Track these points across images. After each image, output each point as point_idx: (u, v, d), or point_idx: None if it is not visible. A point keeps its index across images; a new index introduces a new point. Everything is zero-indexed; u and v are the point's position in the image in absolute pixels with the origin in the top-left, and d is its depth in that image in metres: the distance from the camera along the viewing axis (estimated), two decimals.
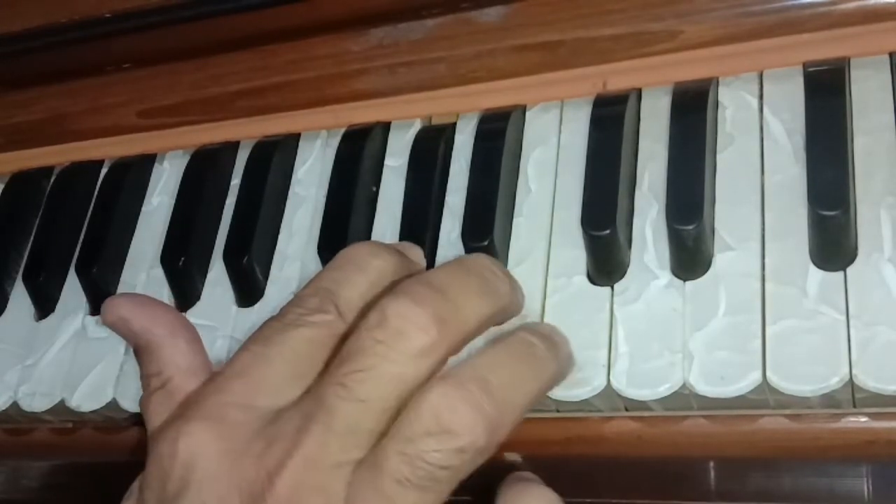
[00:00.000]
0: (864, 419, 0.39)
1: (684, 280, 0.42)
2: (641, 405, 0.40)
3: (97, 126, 0.58)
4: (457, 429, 0.34)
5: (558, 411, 0.42)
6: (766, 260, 0.41)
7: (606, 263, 0.43)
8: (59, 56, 0.57)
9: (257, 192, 0.51)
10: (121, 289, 0.53)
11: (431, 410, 0.34)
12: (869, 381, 0.37)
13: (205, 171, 0.54)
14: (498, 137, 0.48)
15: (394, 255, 0.41)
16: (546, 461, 0.41)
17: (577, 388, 0.41)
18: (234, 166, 0.54)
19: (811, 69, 0.44)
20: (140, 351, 0.41)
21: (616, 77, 0.48)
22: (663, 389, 0.39)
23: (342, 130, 0.53)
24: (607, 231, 0.42)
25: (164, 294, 0.51)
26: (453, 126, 0.50)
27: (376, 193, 0.50)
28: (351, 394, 0.34)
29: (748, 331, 0.39)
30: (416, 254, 0.45)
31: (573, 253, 0.44)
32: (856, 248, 0.40)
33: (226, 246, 0.51)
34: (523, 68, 0.49)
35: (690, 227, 0.41)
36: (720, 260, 0.41)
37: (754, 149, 0.43)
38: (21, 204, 0.59)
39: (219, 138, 0.56)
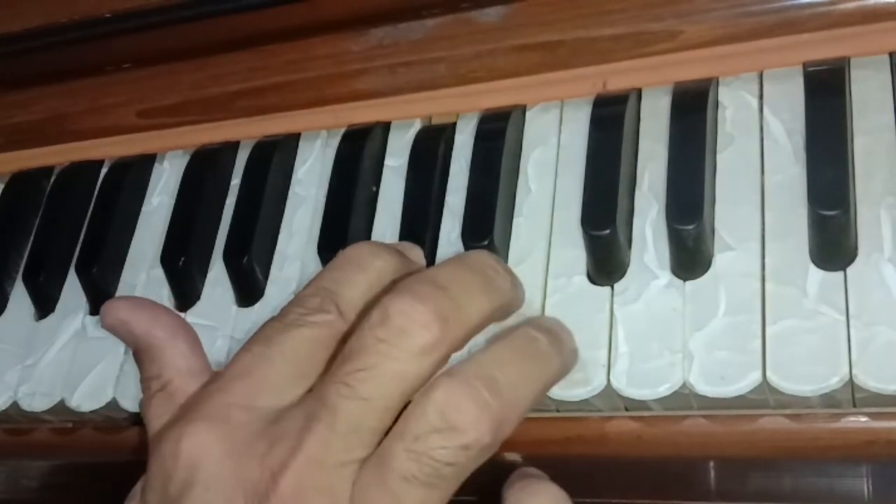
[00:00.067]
0: (864, 419, 0.39)
1: (684, 280, 0.42)
2: (641, 405, 0.40)
3: (97, 126, 0.58)
4: (462, 426, 0.34)
5: (558, 411, 0.42)
6: (766, 260, 0.41)
7: (606, 263, 0.43)
8: (59, 56, 0.57)
9: (257, 192, 0.51)
10: (121, 289, 0.53)
11: (437, 408, 0.34)
12: (869, 381, 0.37)
13: (205, 171, 0.54)
14: (498, 137, 0.48)
15: (394, 255, 0.41)
16: (546, 461, 0.41)
17: (577, 388, 0.41)
18: (234, 166, 0.54)
19: (811, 69, 0.44)
20: (140, 353, 0.41)
21: (616, 77, 0.48)
22: (663, 389, 0.39)
23: (342, 130, 0.53)
24: (607, 231, 0.42)
25: (164, 294, 0.51)
26: (453, 126, 0.50)
27: (376, 193, 0.50)
28: (354, 392, 0.34)
29: (748, 331, 0.39)
30: (416, 254, 0.45)
31: (573, 253, 0.44)
32: (856, 248, 0.40)
33: (226, 246, 0.51)
34: (523, 68, 0.49)
35: (690, 227, 0.41)
36: (720, 260, 0.41)
37: (754, 149, 0.43)
38: (21, 204, 0.59)
39: (219, 138, 0.56)
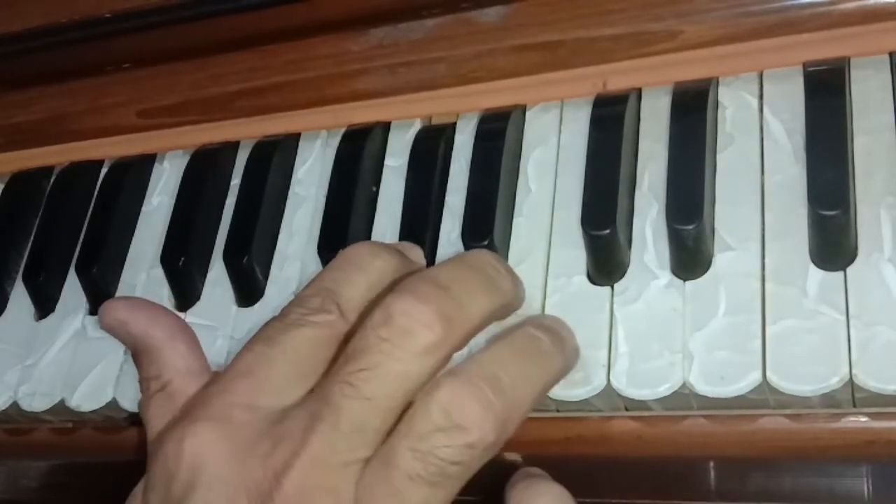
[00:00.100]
0: (864, 419, 0.39)
1: (684, 280, 0.42)
2: (641, 405, 0.40)
3: (97, 126, 0.58)
4: (467, 424, 0.34)
5: (558, 411, 0.42)
6: (766, 260, 0.41)
7: (606, 263, 0.43)
8: (59, 56, 0.57)
9: (257, 192, 0.51)
10: (121, 289, 0.53)
11: (441, 407, 0.34)
12: (869, 381, 0.37)
13: (205, 171, 0.54)
14: (498, 137, 0.48)
15: (394, 255, 0.41)
16: (546, 461, 0.41)
17: (577, 388, 0.41)
18: (234, 166, 0.54)
19: (811, 69, 0.44)
20: (138, 354, 0.41)
21: (616, 77, 0.48)
22: (663, 389, 0.39)
23: (342, 130, 0.53)
24: (607, 231, 0.42)
25: (164, 294, 0.51)
26: (453, 126, 0.50)
27: (376, 193, 0.50)
28: (357, 392, 0.34)
29: (748, 331, 0.39)
30: (416, 254, 0.45)
31: (573, 253, 0.44)
32: (856, 248, 0.40)
33: (226, 246, 0.51)
34: (523, 68, 0.49)
35: (690, 227, 0.41)
36: (720, 260, 0.41)
37: (754, 149, 0.43)
38: (21, 204, 0.59)
39: (219, 138, 0.56)
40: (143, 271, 0.53)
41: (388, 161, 0.51)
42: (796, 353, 0.38)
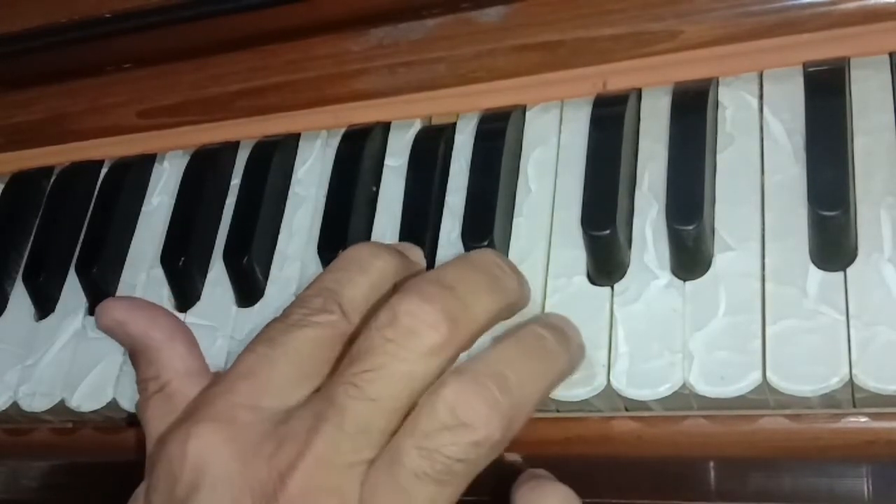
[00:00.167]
0: (864, 419, 0.39)
1: (684, 280, 0.42)
2: (641, 405, 0.40)
3: (97, 126, 0.58)
4: (473, 422, 0.34)
5: (558, 411, 0.42)
6: (766, 260, 0.41)
7: (606, 263, 0.43)
8: (59, 56, 0.57)
9: (257, 192, 0.51)
10: (121, 289, 0.53)
11: (447, 405, 0.34)
12: (869, 381, 0.37)
13: (205, 171, 0.54)
14: (498, 137, 0.48)
15: (395, 255, 0.41)
16: (546, 461, 0.41)
17: (577, 388, 0.41)
18: (234, 166, 0.54)
19: (811, 69, 0.44)
20: (136, 355, 0.41)
21: (616, 77, 0.48)
22: (663, 389, 0.39)
23: (342, 130, 0.53)
24: (607, 231, 0.42)
25: (164, 294, 0.51)
26: (453, 126, 0.50)
27: (376, 193, 0.50)
28: (362, 393, 0.34)
29: (748, 331, 0.39)
30: (417, 254, 0.45)
31: (573, 253, 0.44)
32: (856, 248, 0.40)
33: (226, 246, 0.51)
34: (523, 68, 0.49)
35: (690, 227, 0.41)
36: (720, 260, 0.41)
37: (754, 149, 0.43)
38: (21, 204, 0.59)
39: (219, 138, 0.56)
40: (143, 271, 0.53)
41: (388, 161, 0.51)
42: (796, 353, 0.38)
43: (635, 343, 0.41)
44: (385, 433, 0.35)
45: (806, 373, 0.38)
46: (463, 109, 0.51)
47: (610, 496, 0.45)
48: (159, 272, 0.52)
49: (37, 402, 0.51)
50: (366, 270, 0.39)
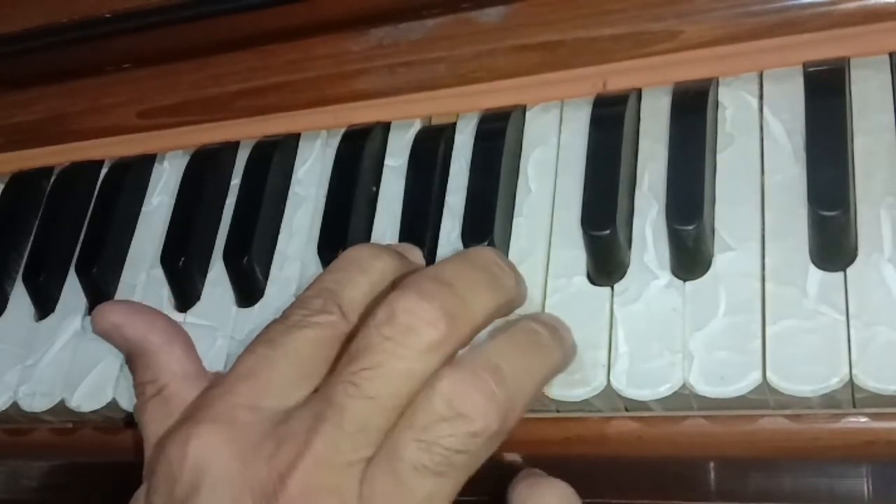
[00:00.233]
0: (864, 419, 0.39)
1: (684, 280, 0.41)
2: (641, 405, 0.40)
3: (97, 126, 0.58)
4: (470, 414, 0.34)
5: (558, 411, 0.42)
6: (766, 260, 0.41)
7: (606, 263, 0.43)
8: (59, 56, 0.57)
9: (257, 192, 0.51)
10: (120, 289, 0.53)
11: (444, 397, 0.34)
12: (869, 381, 0.37)
13: (205, 171, 0.54)
14: (498, 137, 0.48)
15: (394, 256, 0.41)
16: (546, 461, 0.41)
17: (577, 388, 0.41)
18: (234, 166, 0.54)
19: (811, 69, 0.44)
20: (134, 358, 0.41)
21: (616, 77, 0.48)
22: (663, 389, 0.39)
23: (342, 130, 0.53)
24: (607, 231, 0.42)
25: (164, 294, 0.51)
26: (453, 126, 0.50)
27: (376, 193, 0.50)
28: (360, 391, 0.34)
29: (748, 331, 0.39)
30: (416, 255, 0.45)
31: (573, 253, 0.44)
32: (856, 248, 0.40)
33: (226, 246, 0.51)
34: (523, 68, 0.49)
35: (690, 227, 0.41)
36: (720, 260, 0.41)
37: (754, 149, 0.43)
38: (21, 204, 0.59)
39: (219, 138, 0.56)
40: (143, 271, 0.53)
41: (388, 161, 0.51)
42: (796, 354, 0.38)
43: (635, 343, 0.41)
44: (384, 431, 0.35)
45: (806, 373, 0.38)
46: (463, 109, 0.51)
47: (610, 496, 0.45)
48: (159, 272, 0.52)
49: (37, 402, 0.51)
50: (365, 271, 0.39)
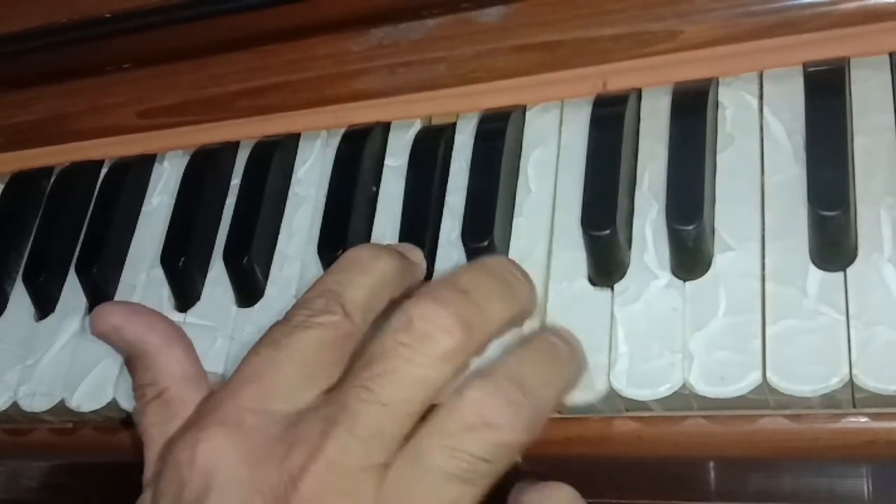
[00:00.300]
0: (864, 419, 0.39)
1: (684, 280, 0.42)
2: (641, 405, 0.40)
3: (97, 126, 0.58)
4: (499, 423, 0.34)
5: (559, 412, 0.42)
6: (766, 260, 0.41)
7: (606, 263, 0.43)
8: (59, 56, 0.57)
9: (257, 192, 0.51)
10: (120, 289, 0.53)
11: (472, 406, 0.34)
12: (869, 381, 0.37)
13: (205, 171, 0.54)
14: (498, 137, 0.48)
15: (394, 256, 0.41)
16: (546, 461, 0.41)
17: (582, 394, 0.40)
18: (234, 166, 0.54)
19: (811, 69, 0.44)
20: (133, 360, 0.41)
21: (616, 77, 0.48)
22: (663, 389, 0.39)
23: (342, 130, 0.53)
24: (607, 231, 0.42)
25: (164, 294, 0.51)
26: (453, 126, 0.50)
27: (376, 193, 0.50)
28: (374, 397, 0.34)
29: (748, 331, 0.39)
30: (416, 255, 0.44)
31: (574, 253, 0.44)
32: (856, 248, 0.40)
33: (226, 246, 0.51)
34: (523, 68, 0.49)
35: (690, 227, 0.41)
36: (720, 260, 0.41)
37: (754, 149, 0.43)
38: (21, 204, 0.59)
39: (219, 138, 0.56)
40: (143, 271, 0.53)
41: (388, 161, 0.51)
42: (796, 354, 0.38)
43: (635, 343, 0.41)
44: (397, 438, 0.34)
45: (806, 373, 0.38)
46: (463, 109, 0.51)
47: (610, 496, 0.45)
48: (159, 272, 0.52)
49: (37, 402, 0.51)
50: (367, 272, 0.39)
